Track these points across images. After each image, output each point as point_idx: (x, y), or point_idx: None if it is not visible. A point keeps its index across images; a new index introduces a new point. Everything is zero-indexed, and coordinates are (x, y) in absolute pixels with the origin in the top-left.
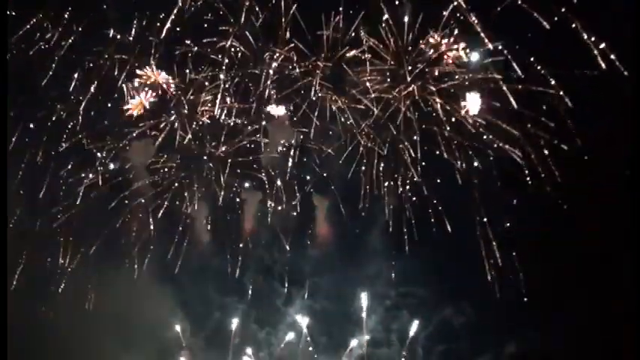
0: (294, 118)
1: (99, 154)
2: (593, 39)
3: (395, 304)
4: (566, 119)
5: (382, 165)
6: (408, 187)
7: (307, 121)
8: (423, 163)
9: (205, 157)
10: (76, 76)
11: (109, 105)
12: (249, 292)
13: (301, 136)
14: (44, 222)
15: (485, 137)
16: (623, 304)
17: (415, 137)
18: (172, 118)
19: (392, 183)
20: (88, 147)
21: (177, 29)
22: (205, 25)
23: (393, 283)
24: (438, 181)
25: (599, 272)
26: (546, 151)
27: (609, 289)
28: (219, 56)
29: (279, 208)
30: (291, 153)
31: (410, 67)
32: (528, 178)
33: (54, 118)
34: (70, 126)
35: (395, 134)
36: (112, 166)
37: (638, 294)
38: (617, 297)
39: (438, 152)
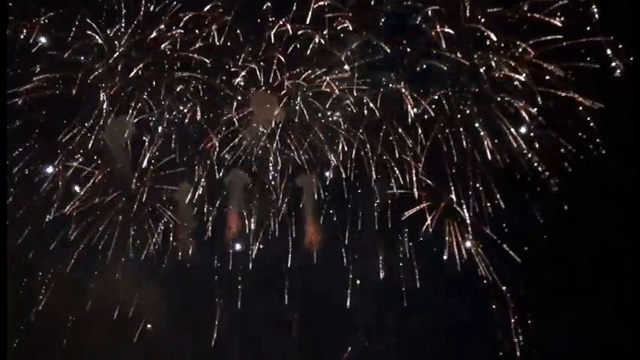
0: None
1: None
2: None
3: (391, 300)
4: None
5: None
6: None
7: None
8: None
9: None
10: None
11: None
12: (238, 288)
13: (290, 123)
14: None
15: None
16: (625, 304)
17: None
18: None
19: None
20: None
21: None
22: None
23: (387, 279)
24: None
25: (599, 273)
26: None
27: (610, 289)
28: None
29: (266, 196)
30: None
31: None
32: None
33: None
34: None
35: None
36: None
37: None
38: (617, 297)
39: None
